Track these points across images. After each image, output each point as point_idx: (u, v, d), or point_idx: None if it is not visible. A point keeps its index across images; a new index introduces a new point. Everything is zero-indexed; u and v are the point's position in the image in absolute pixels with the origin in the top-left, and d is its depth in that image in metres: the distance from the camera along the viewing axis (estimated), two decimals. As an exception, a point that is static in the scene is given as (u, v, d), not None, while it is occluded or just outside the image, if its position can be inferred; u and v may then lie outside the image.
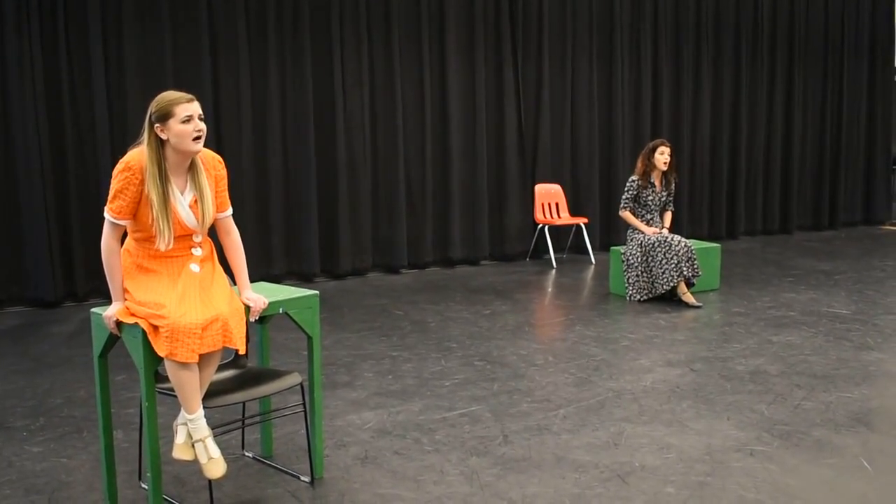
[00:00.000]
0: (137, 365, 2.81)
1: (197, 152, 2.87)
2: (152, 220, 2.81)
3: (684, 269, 6.36)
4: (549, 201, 8.90)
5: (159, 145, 2.83)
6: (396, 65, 8.05)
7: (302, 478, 3.30)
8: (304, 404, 3.25)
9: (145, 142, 2.83)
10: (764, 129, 10.53)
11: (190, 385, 2.77)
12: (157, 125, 2.81)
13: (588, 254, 8.86)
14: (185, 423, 2.83)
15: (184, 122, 2.80)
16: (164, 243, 2.83)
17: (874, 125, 11.38)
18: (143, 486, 3.24)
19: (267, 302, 3.05)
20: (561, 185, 9.02)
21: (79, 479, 3.33)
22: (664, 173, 6.66)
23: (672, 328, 5.72)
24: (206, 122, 2.89)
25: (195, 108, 2.84)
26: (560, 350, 5.20)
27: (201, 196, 2.91)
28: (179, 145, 2.82)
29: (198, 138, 2.83)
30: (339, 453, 3.55)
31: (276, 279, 7.47)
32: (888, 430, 3.71)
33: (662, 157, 6.54)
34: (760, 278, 7.56)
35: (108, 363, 3.06)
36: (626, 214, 6.68)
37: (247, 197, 7.44)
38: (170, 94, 2.84)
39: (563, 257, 9.01)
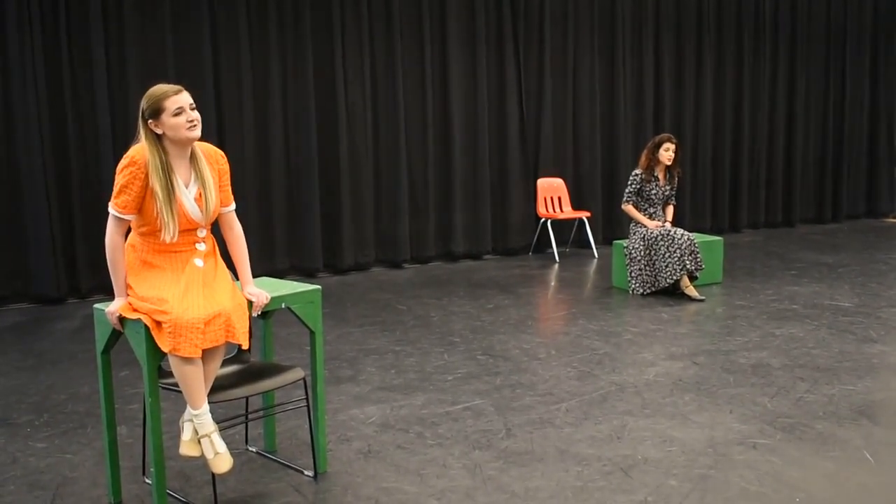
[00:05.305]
0: (141, 360, 2.82)
1: (194, 139, 2.88)
2: (157, 212, 2.82)
3: (687, 262, 6.36)
4: (552, 195, 8.89)
5: (157, 140, 2.85)
6: (398, 59, 8.04)
7: (305, 472, 3.31)
8: (307, 399, 3.26)
9: (143, 138, 2.84)
10: (766, 122, 10.50)
11: (194, 380, 2.77)
12: (150, 121, 2.83)
13: (591, 248, 8.86)
14: (191, 420, 2.84)
15: (175, 114, 2.81)
16: (168, 235, 2.84)
17: (877, 117, 11.33)
18: (147, 481, 3.24)
19: (269, 297, 3.06)
20: (563, 179, 9.01)
21: (83, 475, 3.35)
22: (668, 167, 6.65)
23: (675, 321, 5.72)
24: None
25: (185, 98, 2.84)
26: (563, 344, 5.20)
27: (204, 186, 2.91)
28: (176, 137, 2.83)
29: (192, 127, 2.84)
30: (343, 447, 3.56)
31: (278, 274, 7.47)
32: (891, 423, 3.71)
33: (667, 153, 6.52)
34: (763, 271, 7.56)
35: (112, 359, 3.07)
36: (629, 208, 6.67)
37: (249, 192, 7.44)
38: (158, 89, 2.84)
39: (566, 251, 9.00)
